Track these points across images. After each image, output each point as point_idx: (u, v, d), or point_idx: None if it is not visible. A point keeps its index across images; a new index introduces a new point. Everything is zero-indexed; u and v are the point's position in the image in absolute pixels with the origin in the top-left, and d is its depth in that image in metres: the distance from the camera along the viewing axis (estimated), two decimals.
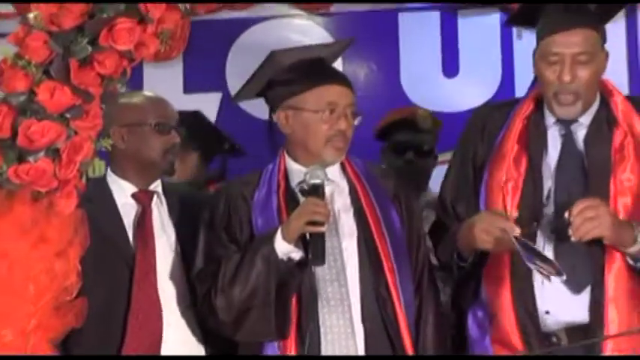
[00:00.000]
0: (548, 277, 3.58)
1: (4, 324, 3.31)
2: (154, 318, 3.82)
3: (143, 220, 3.93)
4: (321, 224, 3.58)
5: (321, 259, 3.59)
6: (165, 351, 3.81)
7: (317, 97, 3.75)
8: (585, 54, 3.72)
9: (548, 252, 3.71)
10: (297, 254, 3.62)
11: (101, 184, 3.97)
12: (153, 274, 3.86)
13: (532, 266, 3.56)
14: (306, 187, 3.69)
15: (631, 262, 3.70)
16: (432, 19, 5.94)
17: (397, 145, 4.96)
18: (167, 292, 3.87)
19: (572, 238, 3.60)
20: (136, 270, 3.84)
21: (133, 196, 3.95)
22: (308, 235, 3.61)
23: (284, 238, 3.61)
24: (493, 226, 3.62)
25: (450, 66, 5.92)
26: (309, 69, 3.83)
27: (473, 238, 3.68)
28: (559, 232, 3.72)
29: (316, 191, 3.65)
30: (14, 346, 3.31)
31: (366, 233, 3.77)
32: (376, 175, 3.93)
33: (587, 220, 3.58)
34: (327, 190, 3.73)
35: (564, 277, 3.60)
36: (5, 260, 3.31)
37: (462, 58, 5.89)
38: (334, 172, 3.81)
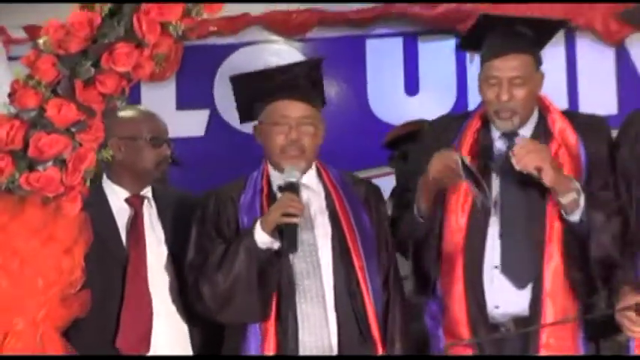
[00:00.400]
0: (478, 199, 3.70)
1: (16, 313, 3.30)
2: (145, 309, 3.84)
3: (135, 222, 3.95)
4: (295, 216, 3.63)
5: (294, 246, 3.64)
6: (155, 338, 3.83)
7: (272, 111, 3.81)
8: (520, 77, 3.81)
9: (497, 249, 3.80)
10: (275, 244, 3.66)
11: (97, 189, 3.94)
12: (144, 270, 3.88)
13: (470, 187, 3.68)
14: (282, 185, 3.73)
15: (564, 214, 3.76)
16: (396, 44, 6.00)
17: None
18: (157, 286, 3.89)
19: (516, 167, 3.68)
20: (129, 267, 3.87)
21: (127, 200, 3.97)
22: (284, 227, 3.64)
23: (263, 229, 3.66)
24: (445, 156, 3.70)
25: (411, 85, 5.96)
26: (266, 87, 3.85)
27: (427, 178, 3.74)
28: (505, 226, 3.82)
29: (291, 188, 3.70)
30: (26, 334, 3.30)
31: (339, 233, 3.80)
32: (349, 182, 3.94)
33: (530, 151, 3.67)
34: (304, 195, 3.78)
35: (489, 205, 3.74)
36: (17, 257, 3.32)
37: (422, 79, 5.93)
38: (311, 178, 3.87)
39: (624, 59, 5.85)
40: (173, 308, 3.91)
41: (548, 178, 3.68)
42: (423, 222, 3.85)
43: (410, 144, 4.89)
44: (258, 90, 3.88)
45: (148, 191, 4.03)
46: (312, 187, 3.87)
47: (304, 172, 3.83)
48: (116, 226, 3.94)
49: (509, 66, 3.84)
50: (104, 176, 4.03)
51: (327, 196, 3.88)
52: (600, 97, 5.71)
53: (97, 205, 3.87)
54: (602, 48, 5.90)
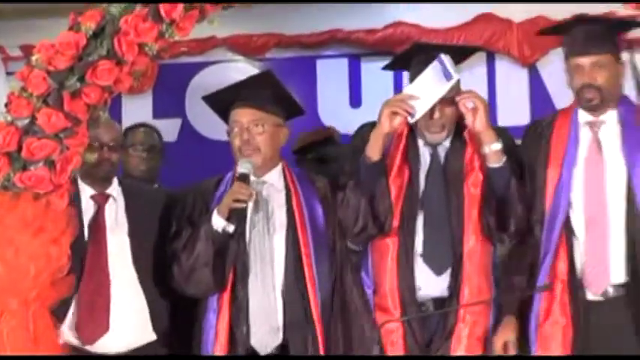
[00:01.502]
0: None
1: (10, 295, 3.30)
2: (103, 294, 3.74)
3: (97, 217, 3.83)
4: (244, 202, 3.64)
5: (242, 228, 3.66)
6: (114, 318, 3.74)
7: (231, 119, 3.81)
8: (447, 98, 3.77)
9: (420, 236, 3.79)
10: (229, 227, 3.65)
11: (73, 188, 3.77)
12: (103, 259, 3.79)
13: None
14: (237, 175, 3.72)
15: (488, 163, 3.72)
16: (342, 64, 6.00)
17: (322, 157, 4.93)
18: (118, 273, 3.80)
19: (458, 100, 3.69)
20: (87, 257, 3.76)
21: (92, 197, 3.87)
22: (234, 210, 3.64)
23: (219, 214, 3.65)
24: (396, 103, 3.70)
25: (355, 99, 5.95)
26: (225, 101, 3.86)
27: (380, 130, 3.70)
28: (427, 219, 3.80)
29: (243, 178, 3.68)
30: (19, 312, 3.30)
31: (292, 225, 3.77)
32: (312, 181, 3.92)
33: (475, 95, 3.71)
34: (264, 190, 3.78)
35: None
36: (12, 246, 3.31)
37: (364, 93, 5.92)
38: (273, 176, 3.84)
39: (536, 78, 5.88)
40: (132, 290, 3.82)
41: (481, 122, 3.68)
42: (375, 164, 3.79)
43: (322, 148, 4.97)
44: (221, 104, 3.90)
45: (113, 189, 3.93)
46: (274, 185, 3.84)
47: (265, 170, 3.82)
48: (82, 220, 3.80)
49: None
50: (78, 177, 3.90)
51: (287, 193, 3.84)
52: (515, 110, 5.70)
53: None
54: (517, 69, 5.93)
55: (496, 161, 3.71)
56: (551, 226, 3.69)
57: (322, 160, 4.92)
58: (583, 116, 3.75)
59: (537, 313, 3.69)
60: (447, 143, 3.91)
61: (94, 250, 3.80)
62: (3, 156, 3.35)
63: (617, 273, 3.64)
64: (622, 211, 3.66)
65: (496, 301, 3.80)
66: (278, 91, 3.90)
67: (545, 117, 3.94)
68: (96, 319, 3.73)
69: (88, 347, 3.73)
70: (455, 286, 3.77)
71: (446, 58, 3.70)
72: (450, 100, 3.78)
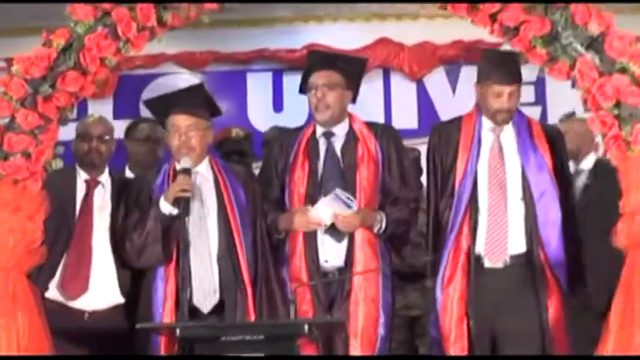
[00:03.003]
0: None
1: None
2: (85, 259, 3.73)
3: (86, 198, 3.83)
4: (187, 191, 3.62)
5: (186, 212, 3.62)
6: (92, 278, 3.72)
7: (170, 122, 3.77)
8: (328, 85, 3.80)
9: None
10: (174, 211, 3.63)
11: (71, 171, 3.87)
12: (88, 232, 3.77)
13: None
14: (180, 169, 3.70)
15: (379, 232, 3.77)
16: (268, 77, 6.03)
17: (228, 151, 4.81)
18: (99, 245, 3.78)
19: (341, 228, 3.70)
20: (75, 229, 3.76)
21: (85, 181, 3.86)
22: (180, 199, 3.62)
23: (165, 200, 3.64)
24: (308, 222, 3.72)
25: (278, 105, 6.00)
26: (165, 107, 3.82)
27: (292, 224, 3.74)
28: None
29: (185, 172, 3.67)
30: (1, 277, 3.24)
31: (222, 206, 3.75)
32: (233, 170, 3.90)
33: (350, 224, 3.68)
34: (198, 179, 3.75)
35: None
36: None
37: (285, 101, 5.96)
38: (203, 167, 3.81)
39: (422, 90, 5.96)
40: (109, 260, 3.79)
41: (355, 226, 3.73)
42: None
43: (230, 143, 4.87)
44: (161, 109, 3.86)
45: (103, 177, 3.90)
46: (204, 174, 3.82)
47: (197, 163, 3.78)
48: (75, 199, 3.81)
49: (324, 77, 3.84)
50: (76, 163, 3.92)
51: (215, 180, 3.80)
52: (406, 116, 5.79)
53: (68, 183, 3.84)
54: (407, 83, 6.01)
55: (381, 228, 3.76)
56: (457, 209, 3.66)
57: (240, 154, 4.84)
58: (486, 123, 3.77)
59: (442, 278, 3.67)
60: (340, 133, 3.88)
61: (82, 224, 3.78)
62: None
63: (514, 246, 3.63)
64: (519, 197, 3.66)
65: (384, 270, 3.79)
66: (206, 99, 3.88)
67: (450, 121, 3.92)
68: (78, 281, 3.71)
69: (71, 303, 3.70)
70: (349, 256, 3.76)
71: (342, 193, 3.72)
72: (332, 87, 3.82)
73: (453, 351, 3.61)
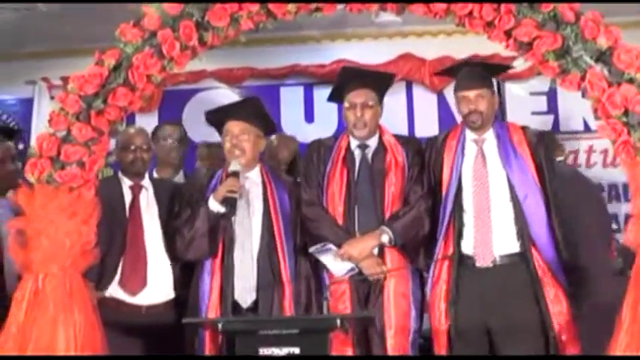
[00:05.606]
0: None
1: (52, 262, 3.25)
2: (141, 257, 3.78)
3: (133, 202, 3.89)
4: (235, 192, 3.65)
5: (233, 212, 3.65)
6: (150, 276, 3.76)
7: (224, 129, 3.83)
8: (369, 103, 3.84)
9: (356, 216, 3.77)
10: (221, 210, 3.66)
11: (116, 179, 3.93)
12: (140, 232, 3.81)
13: None
14: (229, 172, 3.73)
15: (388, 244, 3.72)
16: (299, 90, 6.03)
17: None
18: (151, 243, 3.82)
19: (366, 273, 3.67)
20: (128, 230, 3.80)
21: (130, 187, 3.91)
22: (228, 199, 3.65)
23: (214, 199, 3.67)
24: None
25: (309, 117, 6.01)
26: (221, 115, 3.88)
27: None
28: (360, 201, 3.78)
29: (234, 174, 3.71)
30: (58, 275, 3.25)
31: (267, 211, 3.77)
32: (282, 180, 3.93)
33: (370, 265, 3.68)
34: (247, 184, 3.78)
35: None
36: (53, 226, 3.28)
37: (316, 112, 5.97)
38: (254, 174, 3.86)
39: (443, 102, 5.92)
40: (162, 257, 3.83)
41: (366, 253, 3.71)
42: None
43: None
44: (218, 118, 3.91)
45: (145, 182, 3.94)
46: (254, 179, 3.84)
47: (248, 168, 3.82)
48: (124, 203, 3.86)
49: (361, 96, 3.86)
50: (119, 171, 3.97)
51: (263, 186, 3.83)
52: (428, 126, 5.73)
53: (116, 189, 3.88)
54: (429, 94, 5.98)
55: (392, 240, 3.73)
56: (443, 216, 3.68)
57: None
58: (470, 135, 3.78)
59: (432, 277, 3.69)
60: (372, 145, 3.90)
61: (133, 226, 3.83)
62: (46, 159, 3.33)
63: (504, 246, 3.61)
64: (507, 201, 3.64)
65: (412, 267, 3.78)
66: (260, 111, 3.91)
67: (442, 132, 3.96)
68: (137, 278, 3.75)
69: (131, 299, 3.74)
70: (380, 256, 3.76)
71: (320, 248, 3.72)
72: (368, 104, 3.84)
73: (437, 349, 3.61)
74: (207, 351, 3.61)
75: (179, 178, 4.58)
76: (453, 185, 3.69)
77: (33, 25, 5.50)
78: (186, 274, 3.81)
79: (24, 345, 3.15)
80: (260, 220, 3.75)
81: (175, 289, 3.82)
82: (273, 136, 4.58)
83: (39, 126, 5.05)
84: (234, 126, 3.81)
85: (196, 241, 3.68)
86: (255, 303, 3.66)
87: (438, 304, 3.64)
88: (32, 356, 3.15)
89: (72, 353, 3.17)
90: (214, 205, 3.68)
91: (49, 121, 3.39)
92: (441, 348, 3.61)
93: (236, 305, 3.64)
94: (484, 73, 3.82)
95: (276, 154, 4.62)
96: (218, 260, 3.69)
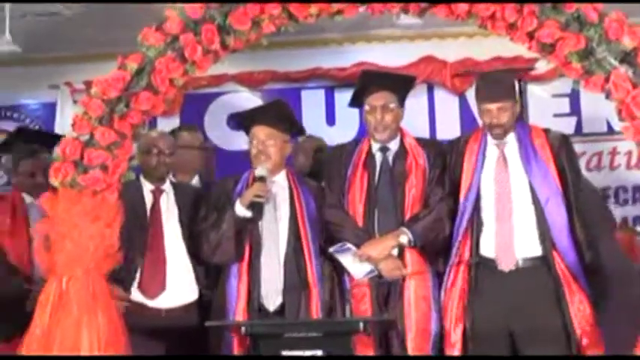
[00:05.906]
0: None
1: (76, 265, 3.27)
2: (161, 261, 3.79)
3: (154, 205, 3.89)
4: (261, 197, 3.66)
5: (259, 216, 3.67)
6: (169, 279, 3.76)
7: (251, 134, 3.83)
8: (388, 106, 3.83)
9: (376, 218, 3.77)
10: (247, 214, 3.67)
11: (137, 183, 3.91)
12: (160, 235, 3.82)
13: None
14: (256, 176, 3.74)
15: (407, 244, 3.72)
16: (320, 93, 6.00)
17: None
18: (172, 246, 3.82)
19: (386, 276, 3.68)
20: (149, 233, 3.81)
21: (151, 191, 3.92)
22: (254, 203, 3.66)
23: (241, 204, 3.68)
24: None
25: (330, 120, 5.97)
26: (248, 119, 3.89)
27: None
28: (380, 204, 3.78)
29: (261, 179, 3.71)
30: (82, 277, 3.26)
31: (293, 214, 3.77)
32: (307, 183, 3.93)
33: (391, 268, 3.69)
34: (274, 188, 3.78)
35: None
36: (77, 229, 3.30)
37: (337, 115, 5.93)
38: (281, 178, 3.85)
39: (464, 104, 5.88)
40: (183, 260, 3.83)
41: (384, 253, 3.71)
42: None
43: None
44: (244, 122, 3.92)
45: (166, 186, 3.95)
46: (281, 184, 3.84)
47: (274, 172, 3.82)
48: (145, 207, 3.87)
49: (382, 99, 3.86)
50: (141, 175, 3.97)
51: (290, 190, 3.83)
52: (449, 129, 5.69)
53: (138, 193, 3.88)
54: (450, 97, 5.95)
55: (411, 241, 3.72)
56: (460, 220, 3.67)
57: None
58: (491, 139, 3.77)
59: (446, 280, 3.67)
60: (393, 148, 3.89)
61: (154, 229, 3.83)
62: (70, 162, 3.33)
63: (526, 249, 3.59)
64: (529, 204, 3.62)
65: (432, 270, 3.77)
66: (286, 114, 3.92)
67: (464, 135, 3.95)
68: (156, 281, 3.75)
69: (150, 303, 3.74)
70: (400, 259, 3.75)
71: (338, 248, 3.73)
72: (389, 107, 3.83)
73: (448, 350, 3.60)
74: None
75: (195, 182, 4.58)
76: (473, 188, 3.68)
77: (56, 30, 5.52)
78: (210, 276, 3.82)
79: (48, 347, 3.17)
80: (287, 224, 3.76)
81: (201, 290, 3.82)
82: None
83: (62, 130, 5.06)
84: (260, 131, 3.81)
85: (223, 245, 3.68)
86: (282, 306, 3.66)
87: (451, 306, 3.62)
88: (56, 356, 3.17)
89: (95, 355, 3.19)
90: (241, 210, 3.68)
91: (73, 125, 3.39)
92: (453, 350, 3.60)
93: (262, 309, 3.65)
94: (507, 83, 3.75)
95: (293, 164, 4.61)
96: (245, 264, 3.69)
